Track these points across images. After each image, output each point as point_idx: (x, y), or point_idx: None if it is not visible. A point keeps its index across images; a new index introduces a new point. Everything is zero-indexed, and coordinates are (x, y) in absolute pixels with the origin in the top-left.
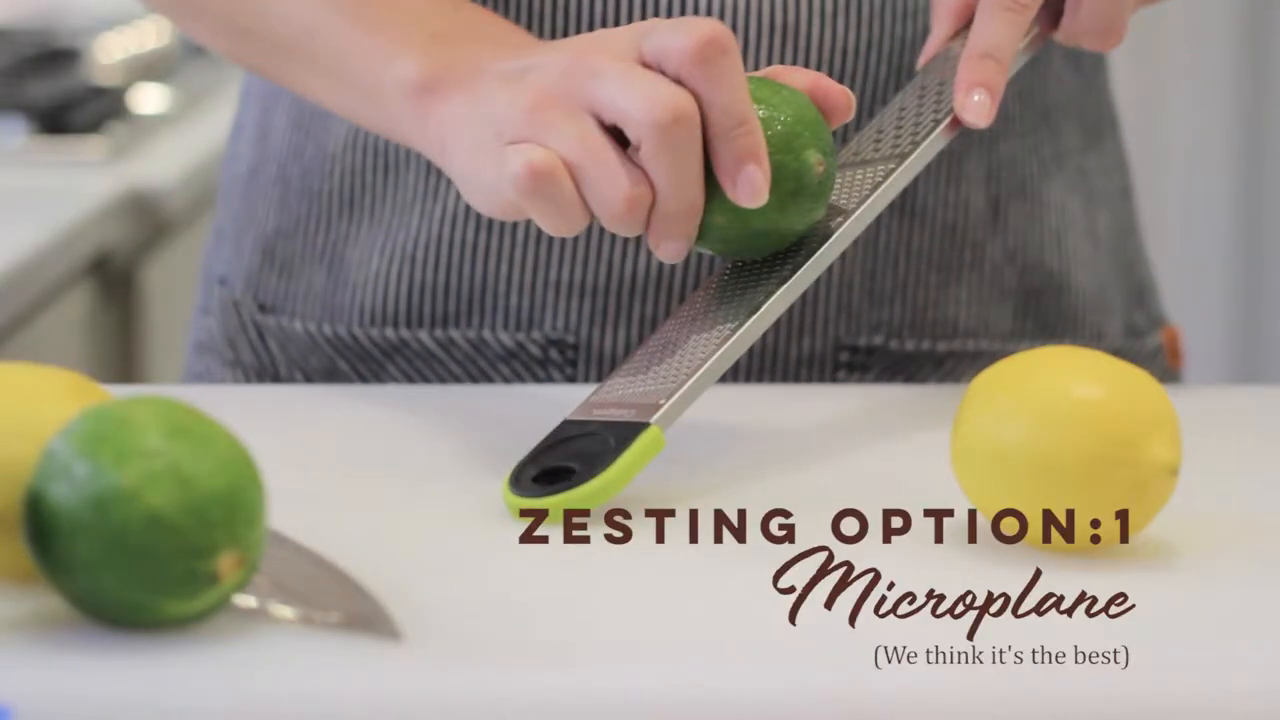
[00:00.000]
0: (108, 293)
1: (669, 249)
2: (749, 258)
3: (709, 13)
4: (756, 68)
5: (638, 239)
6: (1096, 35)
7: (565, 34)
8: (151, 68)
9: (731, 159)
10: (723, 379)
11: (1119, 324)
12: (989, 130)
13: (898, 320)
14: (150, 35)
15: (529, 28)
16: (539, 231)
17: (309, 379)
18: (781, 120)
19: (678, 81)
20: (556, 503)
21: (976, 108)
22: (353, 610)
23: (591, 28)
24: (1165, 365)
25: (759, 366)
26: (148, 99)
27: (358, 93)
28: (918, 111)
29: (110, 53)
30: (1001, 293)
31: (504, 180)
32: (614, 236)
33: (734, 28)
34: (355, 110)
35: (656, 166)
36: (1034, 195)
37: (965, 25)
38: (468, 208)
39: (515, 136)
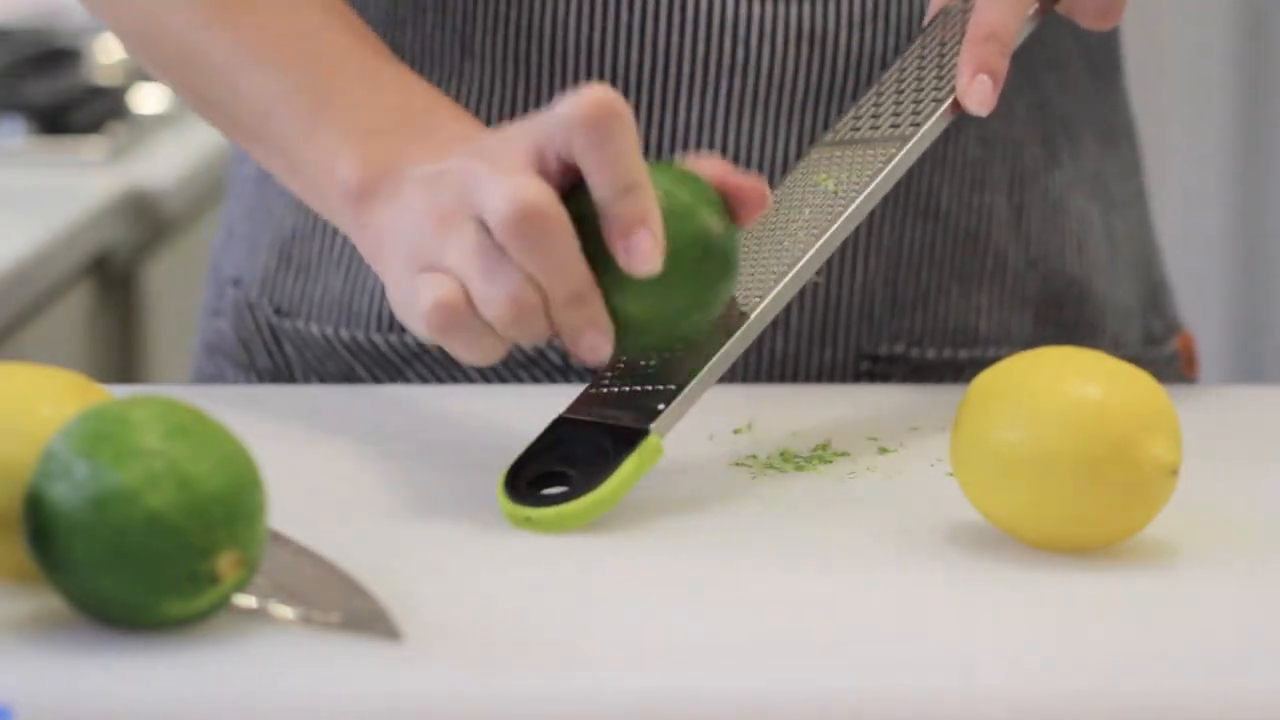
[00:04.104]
0: (108, 293)
1: (583, 346)
2: (671, 350)
3: (735, 24)
4: (783, 80)
5: None
6: (1095, 12)
7: (549, 86)
8: None
9: (619, 226)
10: (731, 379)
11: (1137, 331)
12: (1011, 137)
13: (919, 329)
14: None
15: (528, 61)
16: None
17: (325, 384)
18: (671, 192)
19: (568, 161)
20: (554, 515)
21: (979, 93)
22: (353, 610)
23: (589, 56)
24: (1180, 372)
25: (779, 375)
26: (148, 99)
27: (308, 185)
28: (918, 82)
29: (110, 53)
30: (1023, 300)
31: (418, 319)
32: None
33: (761, 37)
34: (312, 201)
35: (522, 260)
36: (1055, 202)
37: None
38: None
39: (421, 260)
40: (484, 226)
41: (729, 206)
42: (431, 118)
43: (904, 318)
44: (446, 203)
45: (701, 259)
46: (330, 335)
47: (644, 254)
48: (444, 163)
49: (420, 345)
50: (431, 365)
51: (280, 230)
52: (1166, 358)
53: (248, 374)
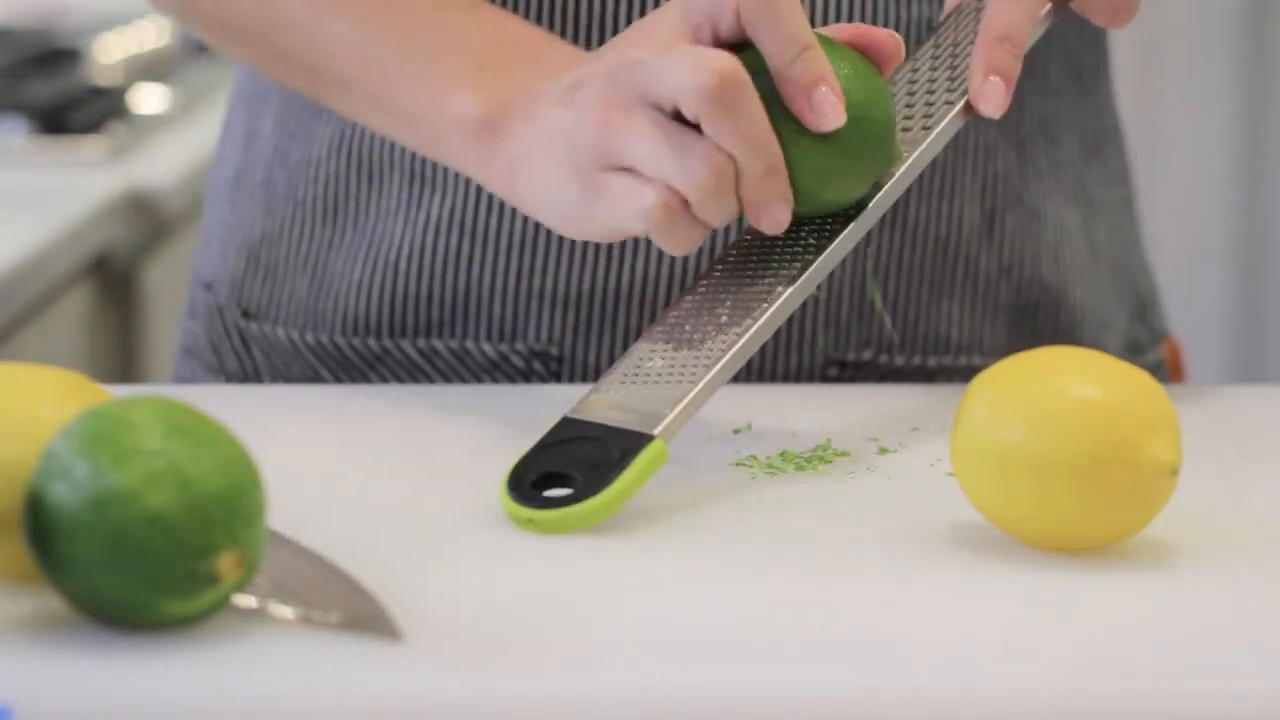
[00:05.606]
0: (108, 293)
1: (770, 217)
2: (829, 211)
3: None
4: None
5: (623, 249)
6: (1109, 10)
7: (598, 35)
8: (151, 68)
9: (800, 85)
10: None
11: (1119, 339)
12: (983, 143)
13: (888, 335)
14: (150, 35)
15: (564, 31)
16: (522, 241)
17: (323, 385)
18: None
19: (738, 36)
20: (558, 518)
21: (992, 95)
22: (353, 610)
23: (623, 26)
24: (1166, 380)
25: (746, 379)
26: (148, 99)
27: (413, 126)
28: (930, 83)
29: (110, 53)
30: (995, 308)
31: (622, 216)
32: (598, 246)
33: None
34: (411, 142)
35: (720, 132)
36: (1031, 208)
37: None
38: (451, 216)
39: (596, 160)
40: (659, 111)
41: (870, 61)
42: (535, 47)
43: (872, 324)
44: (609, 98)
45: (859, 120)
46: (296, 339)
47: (829, 109)
48: (574, 75)
49: (383, 348)
50: (394, 368)
51: (249, 234)
52: (1151, 366)
53: (217, 377)
